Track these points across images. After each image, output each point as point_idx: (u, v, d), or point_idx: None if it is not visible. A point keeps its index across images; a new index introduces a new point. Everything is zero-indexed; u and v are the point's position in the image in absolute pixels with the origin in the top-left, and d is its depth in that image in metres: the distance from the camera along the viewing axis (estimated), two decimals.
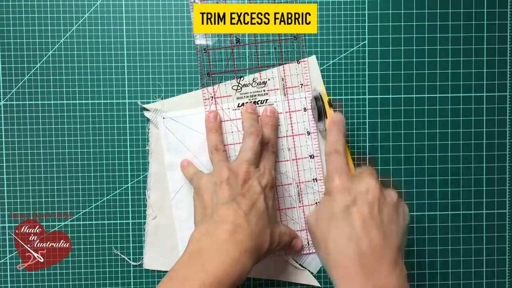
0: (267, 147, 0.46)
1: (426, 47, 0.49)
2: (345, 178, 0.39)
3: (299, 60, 0.48)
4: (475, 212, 0.50)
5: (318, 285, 0.49)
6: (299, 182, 0.49)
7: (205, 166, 0.48)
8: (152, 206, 0.48)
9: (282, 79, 0.48)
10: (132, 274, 0.49)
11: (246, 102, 0.48)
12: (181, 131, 0.48)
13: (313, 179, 0.49)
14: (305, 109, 0.48)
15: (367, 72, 0.49)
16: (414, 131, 0.49)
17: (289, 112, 0.48)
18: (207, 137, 0.47)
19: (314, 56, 0.48)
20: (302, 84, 0.48)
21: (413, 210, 0.49)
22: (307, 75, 0.48)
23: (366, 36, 0.49)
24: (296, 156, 0.48)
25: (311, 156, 0.48)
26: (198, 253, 0.38)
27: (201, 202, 0.43)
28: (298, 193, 0.49)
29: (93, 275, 0.49)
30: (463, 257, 0.50)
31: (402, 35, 0.49)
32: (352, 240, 0.37)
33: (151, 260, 0.49)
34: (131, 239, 0.49)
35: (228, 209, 0.40)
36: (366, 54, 0.49)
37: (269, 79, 0.48)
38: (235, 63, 0.48)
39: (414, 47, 0.49)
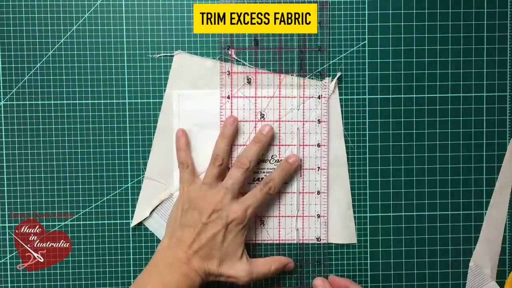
0: (266, 186, 0.46)
1: (426, 47, 0.49)
2: None
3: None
4: (475, 212, 0.50)
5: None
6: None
7: (210, 140, 0.47)
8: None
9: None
10: (132, 274, 0.49)
11: (265, 123, 0.48)
12: (193, 105, 0.48)
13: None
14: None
15: (367, 72, 0.49)
16: (414, 131, 0.49)
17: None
18: (216, 141, 0.47)
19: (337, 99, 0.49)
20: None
21: (413, 210, 0.49)
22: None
23: (366, 36, 0.49)
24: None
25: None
26: (154, 268, 0.44)
27: (174, 215, 0.46)
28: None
29: (93, 275, 0.49)
30: (463, 257, 0.50)
31: (402, 35, 0.49)
32: None
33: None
34: (131, 239, 0.49)
35: (190, 233, 0.44)
36: (366, 54, 0.49)
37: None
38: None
39: (414, 47, 0.49)
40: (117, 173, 0.48)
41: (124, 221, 0.49)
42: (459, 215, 0.50)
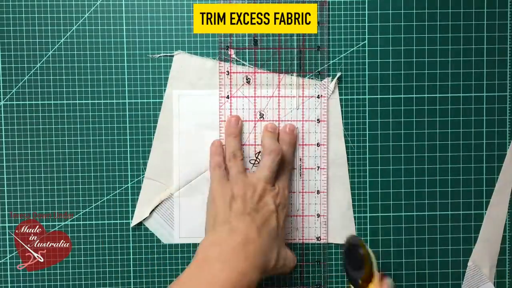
0: (284, 165, 0.46)
1: (426, 47, 0.49)
2: None
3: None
4: (475, 212, 0.50)
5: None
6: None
7: (210, 140, 0.48)
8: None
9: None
10: (132, 274, 0.49)
11: (268, 122, 0.48)
12: (193, 105, 0.48)
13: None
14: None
15: (367, 72, 0.49)
16: (414, 131, 0.49)
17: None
18: (225, 141, 0.47)
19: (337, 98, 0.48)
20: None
21: (413, 210, 0.49)
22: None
23: (366, 36, 0.49)
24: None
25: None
26: (205, 263, 0.39)
27: (214, 210, 0.44)
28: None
29: (93, 275, 0.49)
30: (463, 257, 0.50)
31: (402, 35, 0.49)
32: None
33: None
34: (131, 239, 0.49)
35: (243, 221, 0.42)
36: (366, 54, 0.49)
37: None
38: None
39: (414, 47, 0.49)
40: (117, 173, 0.48)
41: (124, 221, 0.49)
42: (459, 215, 0.50)
